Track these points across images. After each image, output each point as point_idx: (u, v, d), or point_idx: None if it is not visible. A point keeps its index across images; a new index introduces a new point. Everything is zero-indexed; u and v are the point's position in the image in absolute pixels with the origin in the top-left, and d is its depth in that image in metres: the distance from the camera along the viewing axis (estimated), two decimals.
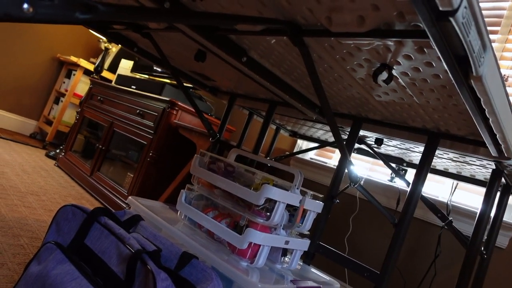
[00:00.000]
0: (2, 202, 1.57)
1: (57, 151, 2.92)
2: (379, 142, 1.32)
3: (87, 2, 0.40)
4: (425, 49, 0.56)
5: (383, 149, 1.49)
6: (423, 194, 1.43)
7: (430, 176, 1.75)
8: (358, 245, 1.77)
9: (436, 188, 1.77)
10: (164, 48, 1.20)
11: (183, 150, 2.10)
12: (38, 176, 2.21)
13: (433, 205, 1.31)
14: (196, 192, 1.07)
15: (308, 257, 1.15)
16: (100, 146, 2.35)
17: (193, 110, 2.12)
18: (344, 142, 1.19)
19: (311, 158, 2.16)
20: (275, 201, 0.88)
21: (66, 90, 3.29)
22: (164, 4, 0.73)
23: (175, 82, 2.38)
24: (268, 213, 0.89)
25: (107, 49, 3.08)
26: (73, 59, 3.23)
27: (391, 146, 1.37)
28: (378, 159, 1.58)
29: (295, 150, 2.18)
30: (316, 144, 2.02)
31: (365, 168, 1.99)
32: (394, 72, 0.69)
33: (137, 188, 1.94)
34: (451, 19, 0.41)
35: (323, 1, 0.54)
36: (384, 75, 0.69)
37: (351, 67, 0.76)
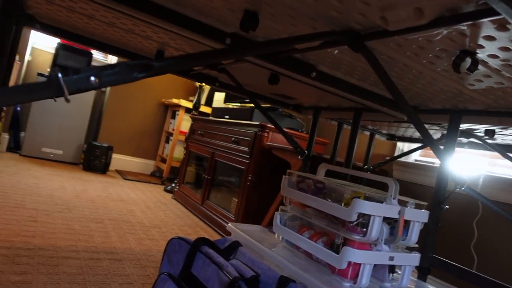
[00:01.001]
0: (131, 237, 1.79)
1: (173, 185, 3.24)
2: (490, 133, 1.14)
3: (143, 62, 0.45)
4: (507, 26, 0.48)
5: (499, 140, 1.29)
6: None
7: None
8: (489, 253, 1.53)
9: None
10: (240, 78, 1.26)
11: (280, 170, 2.14)
12: (159, 210, 2.48)
13: None
14: (290, 213, 1.07)
15: (422, 272, 1.04)
16: (206, 176, 2.54)
17: (284, 129, 2.15)
18: (444, 140, 1.06)
19: (415, 160, 1.98)
20: (370, 215, 0.82)
21: (173, 130, 3.67)
22: (225, 41, 0.77)
23: (264, 105, 2.46)
24: (364, 229, 0.84)
25: (201, 86, 3.36)
26: (175, 101, 3.60)
27: (508, 136, 1.18)
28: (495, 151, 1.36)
29: (396, 154, 2.03)
30: (418, 144, 1.85)
31: (485, 164, 1.74)
32: (479, 57, 0.60)
33: (242, 212, 2.03)
34: None
35: (372, 2, 0.50)
36: (468, 62, 0.60)
37: (427, 61, 0.68)
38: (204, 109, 3.57)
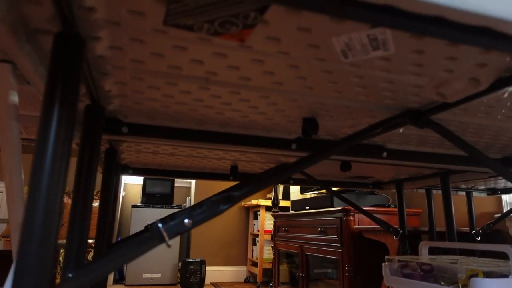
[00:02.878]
0: None
1: None
2: None
3: (225, 195, 0.50)
4: None
5: None
6: None
7: None
8: None
9: None
10: (312, 171, 1.28)
11: (378, 252, 1.98)
12: None
13: None
14: None
15: None
16: (300, 274, 2.43)
17: (370, 209, 2.05)
18: None
19: None
20: None
21: (258, 231, 3.69)
22: (291, 147, 0.82)
23: (342, 188, 2.41)
24: None
25: None
26: (254, 202, 3.69)
27: None
28: None
29: (505, 209, 1.79)
30: None
31: None
32: None
33: None
34: None
35: (423, 84, 0.52)
36: None
37: (504, 116, 0.65)
38: (283, 203, 3.59)
